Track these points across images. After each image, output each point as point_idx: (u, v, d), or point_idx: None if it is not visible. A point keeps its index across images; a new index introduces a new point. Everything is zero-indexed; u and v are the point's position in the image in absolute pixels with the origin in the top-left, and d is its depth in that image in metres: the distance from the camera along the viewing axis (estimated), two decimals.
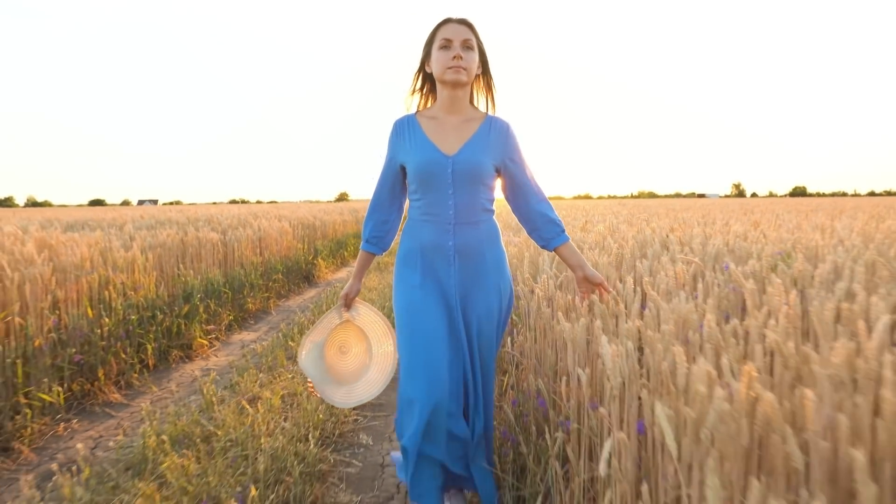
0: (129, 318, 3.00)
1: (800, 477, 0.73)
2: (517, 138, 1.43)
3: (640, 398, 1.01)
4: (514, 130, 1.43)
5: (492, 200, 1.41)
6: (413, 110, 1.46)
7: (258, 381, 2.61)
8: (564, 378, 1.29)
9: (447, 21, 1.35)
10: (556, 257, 1.95)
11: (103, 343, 2.74)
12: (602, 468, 0.93)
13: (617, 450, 0.95)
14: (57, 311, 2.60)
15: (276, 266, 5.46)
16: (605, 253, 2.09)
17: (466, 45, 1.33)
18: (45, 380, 2.33)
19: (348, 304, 1.58)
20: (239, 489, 1.59)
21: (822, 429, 0.73)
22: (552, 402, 1.44)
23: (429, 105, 1.46)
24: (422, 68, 1.43)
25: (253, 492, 1.51)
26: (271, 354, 3.07)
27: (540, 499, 1.27)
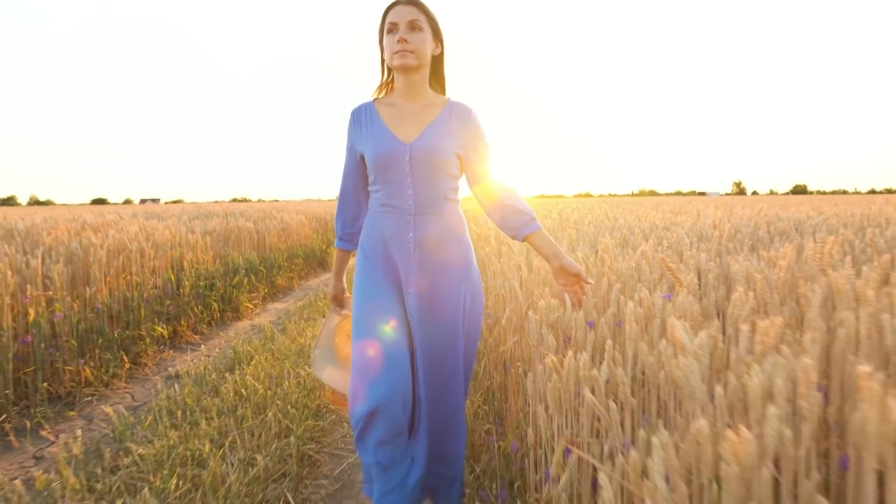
0: (198, 284, 3.99)
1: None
2: (481, 124, 1.34)
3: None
4: (478, 116, 1.33)
5: (455, 189, 1.34)
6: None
7: (300, 326, 3.60)
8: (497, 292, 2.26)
9: (394, 4, 1.26)
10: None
11: (186, 299, 3.73)
12: (504, 321, 1.91)
13: (509, 314, 1.92)
14: (154, 275, 3.59)
15: (297, 252, 6.46)
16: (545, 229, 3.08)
17: (413, 27, 1.24)
18: (155, 319, 3.31)
19: (341, 303, 1.52)
20: (303, 372, 2.57)
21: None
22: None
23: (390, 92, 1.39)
24: (382, 58, 1.35)
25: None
26: (307, 310, 4.06)
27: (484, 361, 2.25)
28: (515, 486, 1.27)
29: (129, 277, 3.30)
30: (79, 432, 2.10)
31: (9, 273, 2.37)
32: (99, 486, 1.61)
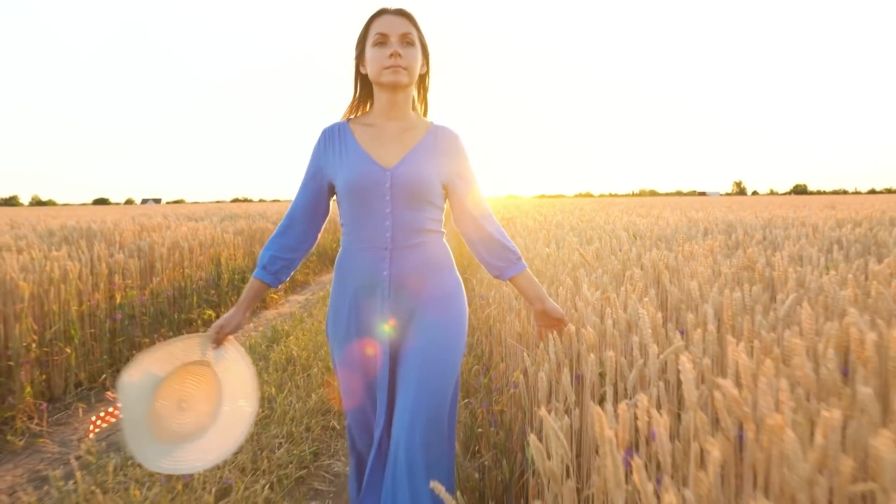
0: (234, 277, 4.64)
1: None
2: (467, 152, 1.25)
3: None
4: (464, 142, 1.25)
5: (439, 221, 1.23)
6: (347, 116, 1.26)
7: (324, 311, 4.25)
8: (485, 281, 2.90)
9: (382, 12, 1.16)
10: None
11: (224, 290, 4.38)
12: (491, 300, 2.55)
13: (495, 294, 2.56)
14: (199, 269, 4.24)
15: (311, 250, 7.13)
16: (513, 222, 3.71)
17: (406, 41, 1.14)
18: (203, 306, 3.96)
19: (220, 339, 1.22)
20: None
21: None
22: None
23: (366, 111, 1.26)
24: (357, 71, 1.23)
25: None
26: (327, 299, 4.71)
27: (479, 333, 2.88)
28: (493, 401, 1.91)
29: (182, 270, 3.95)
30: None
31: (102, 265, 3.02)
32: None
